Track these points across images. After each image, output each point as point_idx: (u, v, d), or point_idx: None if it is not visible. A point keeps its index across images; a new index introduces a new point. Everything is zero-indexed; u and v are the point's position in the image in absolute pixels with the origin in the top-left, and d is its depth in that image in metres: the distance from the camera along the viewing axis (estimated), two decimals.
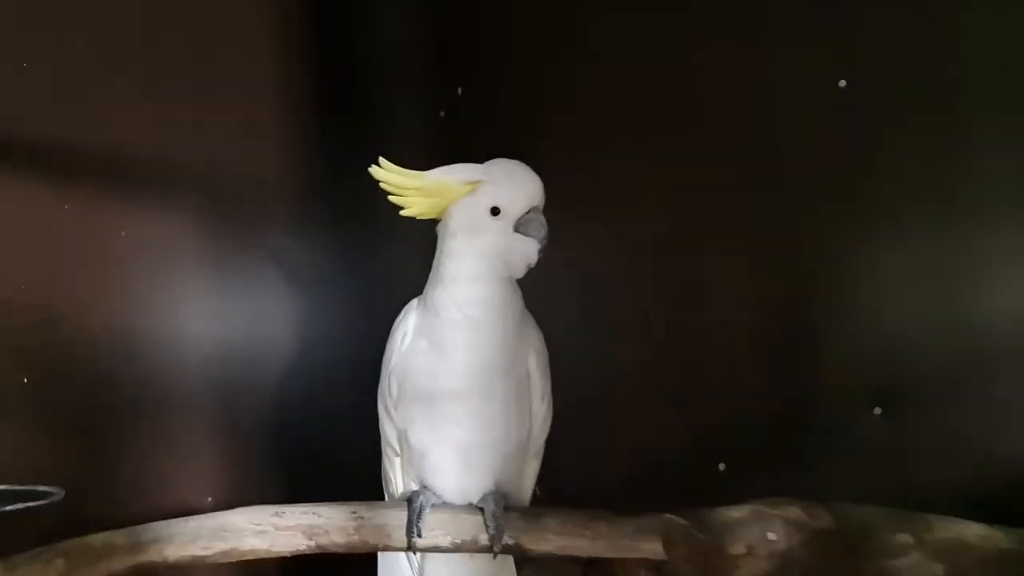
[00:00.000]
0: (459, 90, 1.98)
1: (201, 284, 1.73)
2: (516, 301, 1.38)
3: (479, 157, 1.38)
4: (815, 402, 1.53)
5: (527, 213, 1.35)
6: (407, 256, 1.54)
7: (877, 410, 1.47)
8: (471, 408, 1.34)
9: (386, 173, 1.32)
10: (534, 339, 1.41)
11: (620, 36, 1.74)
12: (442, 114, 2.01)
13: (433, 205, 1.34)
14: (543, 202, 1.36)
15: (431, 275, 1.38)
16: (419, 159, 1.36)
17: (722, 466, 1.61)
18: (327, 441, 1.80)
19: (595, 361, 1.73)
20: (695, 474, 1.63)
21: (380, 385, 1.43)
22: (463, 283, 1.34)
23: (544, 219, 1.35)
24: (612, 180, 1.73)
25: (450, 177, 1.34)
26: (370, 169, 1.32)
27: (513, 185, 1.34)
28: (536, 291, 1.39)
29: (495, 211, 1.34)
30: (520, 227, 1.35)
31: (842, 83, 1.50)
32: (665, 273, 1.69)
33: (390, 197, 1.33)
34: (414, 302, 1.42)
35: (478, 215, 1.35)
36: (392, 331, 1.41)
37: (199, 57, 1.74)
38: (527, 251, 1.35)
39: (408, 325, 1.39)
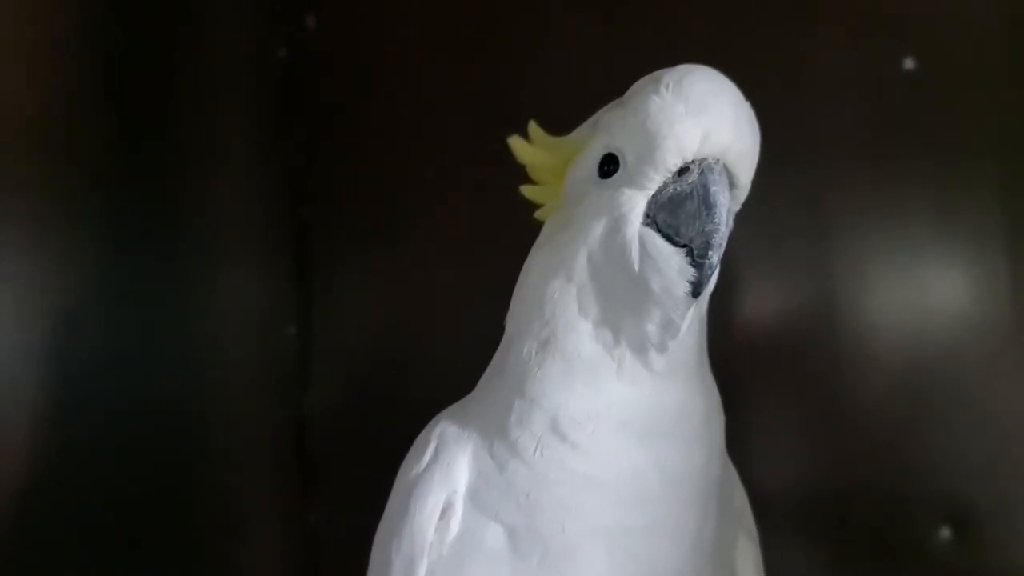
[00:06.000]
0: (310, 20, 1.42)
1: None
2: (712, 415, 0.75)
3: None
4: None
5: (681, 173, 0.67)
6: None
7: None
8: None
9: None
10: (737, 489, 0.80)
11: None
12: (282, 53, 1.43)
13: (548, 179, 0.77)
14: (741, 160, 0.68)
15: (499, 359, 0.79)
16: (244, 118, 1.12)
17: None
18: None
19: None
20: None
21: None
22: (571, 370, 0.70)
23: (724, 196, 0.66)
24: None
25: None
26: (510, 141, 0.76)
27: (646, 105, 0.67)
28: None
29: (608, 162, 0.70)
30: (658, 208, 0.68)
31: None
32: None
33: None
34: (453, 426, 0.76)
35: (580, 180, 0.73)
36: (410, 487, 0.75)
37: None
38: (666, 270, 0.67)
39: (457, 477, 0.73)
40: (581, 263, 0.70)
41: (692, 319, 0.69)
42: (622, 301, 0.68)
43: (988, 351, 1.15)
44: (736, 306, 1.21)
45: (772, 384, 1.21)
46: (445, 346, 1.30)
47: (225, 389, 1.30)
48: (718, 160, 0.66)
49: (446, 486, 0.73)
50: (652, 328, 0.67)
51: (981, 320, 1.15)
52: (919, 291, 1.18)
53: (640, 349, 0.69)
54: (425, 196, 1.33)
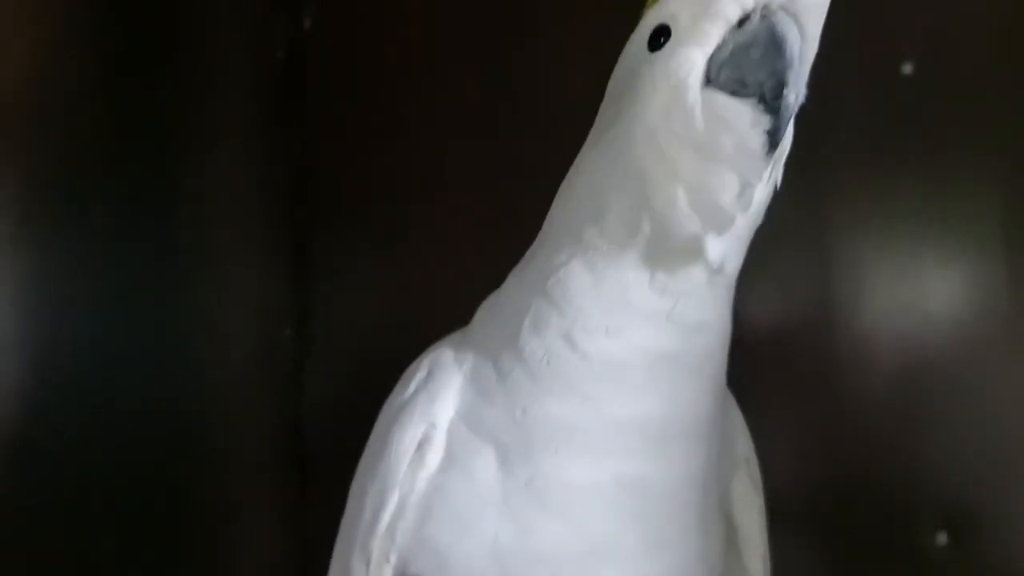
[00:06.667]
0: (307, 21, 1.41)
1: None
2: (723, 331, 0.71)
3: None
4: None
5: (746, 21, 0.61)
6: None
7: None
8: None
9: None
10: (741, 436, 0.79)
11: None
12: (280, 54, 1.41)
13: None
14: (808, 8, 0.61)
15: (520, 270, 0.74)
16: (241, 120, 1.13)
17: None
18: None
19: None
20: None
21: (352, 521, 0.76)
22: (602, 278, 0.66)
23: (793, 34, 0.60)
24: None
25: None
26: None
27: None
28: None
29: (659, 34, 0.64)
30: (720, 66, 0.61)
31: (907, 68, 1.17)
32: None
33: None
34: (448, 351, 0.74)
35: (628, 66, 0.67)
36: (391, 417, 0.74)
37: None
38: (737, 124, 0.60)
39: (439, 409, 0.70)
40: (641, 147, 0.63)
41: (757, 210, 0.64)
42: (691, 183, 0.62)
43: (986, 356, 1.14)
44: (734, 309, 1.20)
45: (769, 387, 1.19)
46: None
47: (222, 389, 1.29)
48: (782, 6, 0.60)
49: (427, 418, 0.71)
50: (727, 198, 0.61)
51: (979, 324, 1.14)
52: (917, 295, 1.17)
53: (694, 243, 0.63)
54: (424, 198, 1.32)
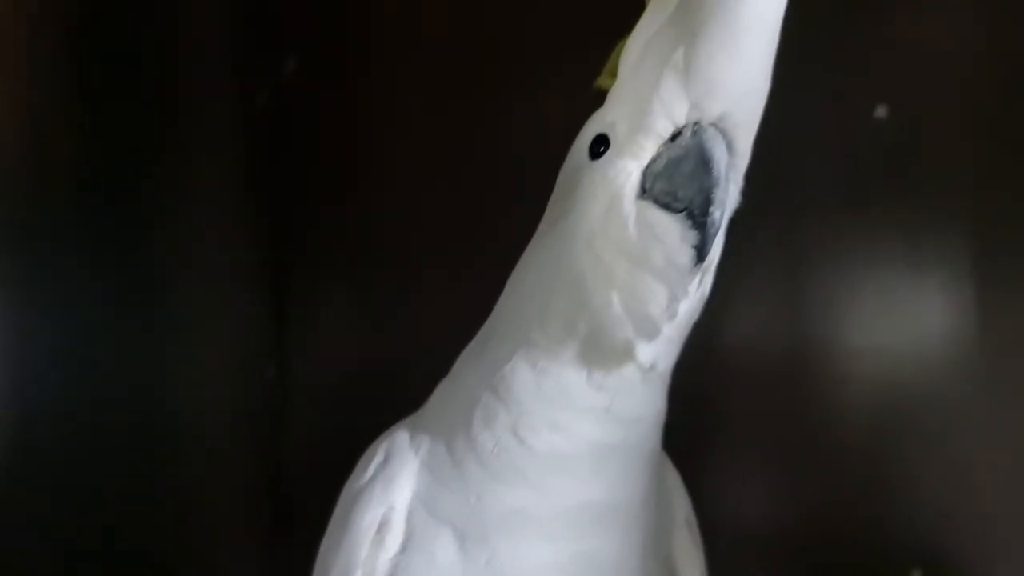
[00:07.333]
0: (289, 63, 1.41)
1: None
2: (659, 417, 0.73)
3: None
4: None
5: (679, 135, 0.63)
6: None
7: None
8: None
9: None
10: (679, 500, 0.82)
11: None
12: (262, 96, 1.41)
13: None
14: (749, 118, 0.64)
15: (470, 358, 0.78)
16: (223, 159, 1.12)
17: None
18: None
19: None
20: None
21: None
22: (544, 376, 0.68)
23: (721, 152, 0.62)
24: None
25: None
26: None
27: (646, 55, 0.64)
28: None
29: (599, 143, 0.66)
30: (655, 179, 0.63)
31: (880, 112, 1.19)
32: None
33: None
34: (404, 435, 0.77)
35: (572, 170, 0.70)
36: (350, 501, 0.76)
37: None
38: (666, 238, 0.62)
39: (397, 493, 0.73)
40: (579, 251, 0.65)
41: (687, 315, 0.66)
42: (624, 290, 0.64)
43: (958, 394, 1.15)
44: (708, 342, 1.20)
45: (743, 424, 1.21)
46: (425, 385, 1.28)
47: (202, 428, 1.28)
48: (711, 124, 0.62)
49: (385, 501, 0.73)
50: (655, 309, 0.63)
51: (951, 363, 1.16)
52: (890, 334, 1.18)
53: (625, 347, 0.65)
54: (406, 237, 1.33)
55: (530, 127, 1.22)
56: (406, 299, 1.32)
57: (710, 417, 1.20)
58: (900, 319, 1.18)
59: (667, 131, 0.63)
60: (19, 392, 1.04)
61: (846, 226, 1.20)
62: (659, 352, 0.66)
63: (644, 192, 0.63)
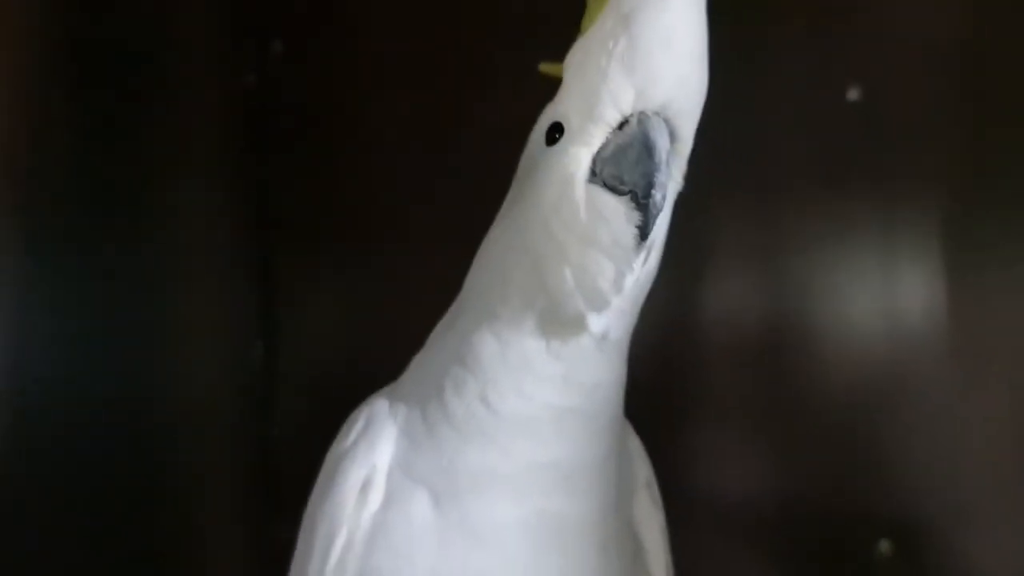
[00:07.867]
0: (276, 47, 1.41)
1: None
2: (618, 383, 0.78)
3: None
4: None
5: (626, 124, 0.68)
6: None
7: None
8: None
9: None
10: (640, 462, 0.87)
11: None
12: (250, 79, 1.42)
13: None
14: (689, 107, 0.69)
15: (442, 332, 0.82)
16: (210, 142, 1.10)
17: None
18: None
19: None
20: None
21: (304, 556, 0.81)
22: (505, 338, 0.73)
23: (664, 140, 0.67)
24: None
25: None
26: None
27: (593, 51, 0.68)
28: None
29: (555, 131, 0.72)
30: (603, 164, 0.68)
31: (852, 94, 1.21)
32: None
33: None
34: (383, 403, 0.81)
35: (531, 155, 0.75)
36: (335, 463, 0.80)
37: None
38: (612, 219, 0.67)
39: (378, 455, 0.78)
40: (536, 231, 0.71)
41: (636, 288, 0.70)
42: (576, 266, 0.69)
43: (930, 371, 1.17)
44: (685, 319, 1.23)
45: (719, 402, 1.23)
46: None
47: (191, 408, 1.29)
48: (656, 112, 0.66)
49: (367, 463, 0.78)
50: (604, 284, 0.68)
51: (924, 341, 1.18)
52: (864, 313, 1.20)
53: (578, 318, 0.70)
54: (392, 218, 1.34)
55: (519, 117, 1.23)
56: (393, 280, 1.33)
57: (687, 392, 1.22)
58: (875, 296, 1.21)
59: (615, 120, 0.68)
60: (3, 376, 1.05)
61: (821, 204, 1.22)
62: (610, 322, 0.71)
63: (594, 176, 0.68)
